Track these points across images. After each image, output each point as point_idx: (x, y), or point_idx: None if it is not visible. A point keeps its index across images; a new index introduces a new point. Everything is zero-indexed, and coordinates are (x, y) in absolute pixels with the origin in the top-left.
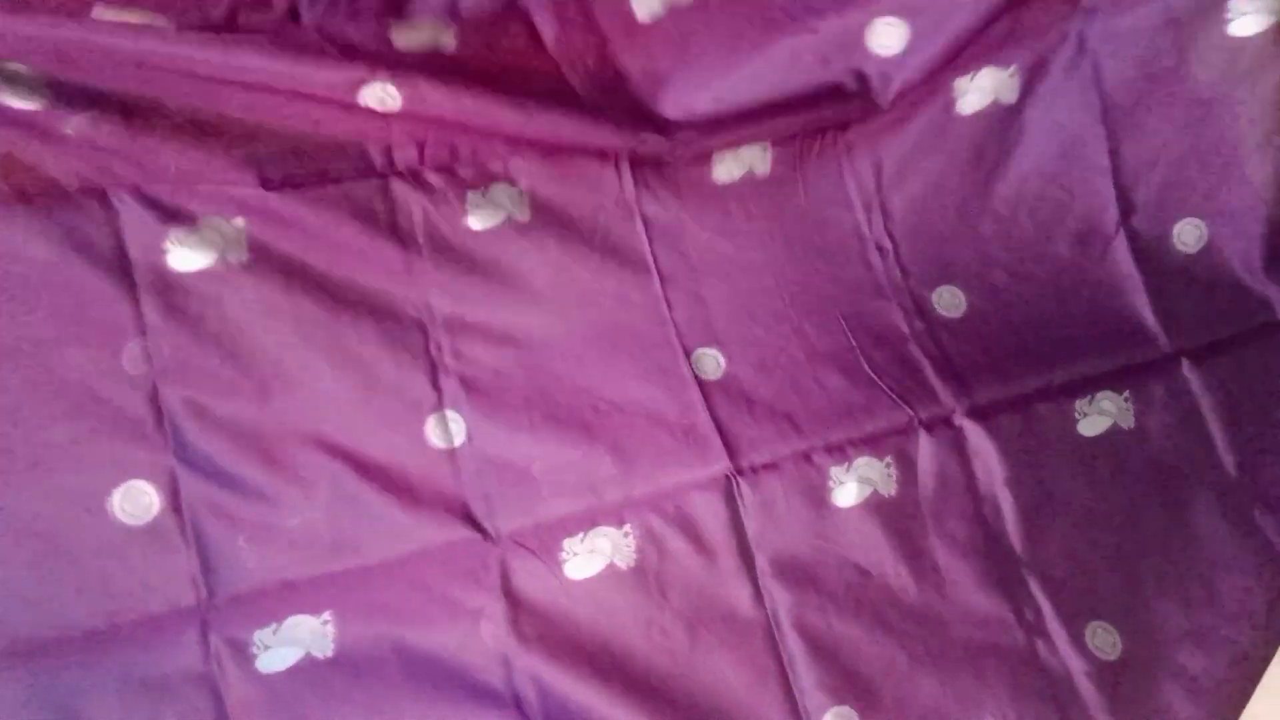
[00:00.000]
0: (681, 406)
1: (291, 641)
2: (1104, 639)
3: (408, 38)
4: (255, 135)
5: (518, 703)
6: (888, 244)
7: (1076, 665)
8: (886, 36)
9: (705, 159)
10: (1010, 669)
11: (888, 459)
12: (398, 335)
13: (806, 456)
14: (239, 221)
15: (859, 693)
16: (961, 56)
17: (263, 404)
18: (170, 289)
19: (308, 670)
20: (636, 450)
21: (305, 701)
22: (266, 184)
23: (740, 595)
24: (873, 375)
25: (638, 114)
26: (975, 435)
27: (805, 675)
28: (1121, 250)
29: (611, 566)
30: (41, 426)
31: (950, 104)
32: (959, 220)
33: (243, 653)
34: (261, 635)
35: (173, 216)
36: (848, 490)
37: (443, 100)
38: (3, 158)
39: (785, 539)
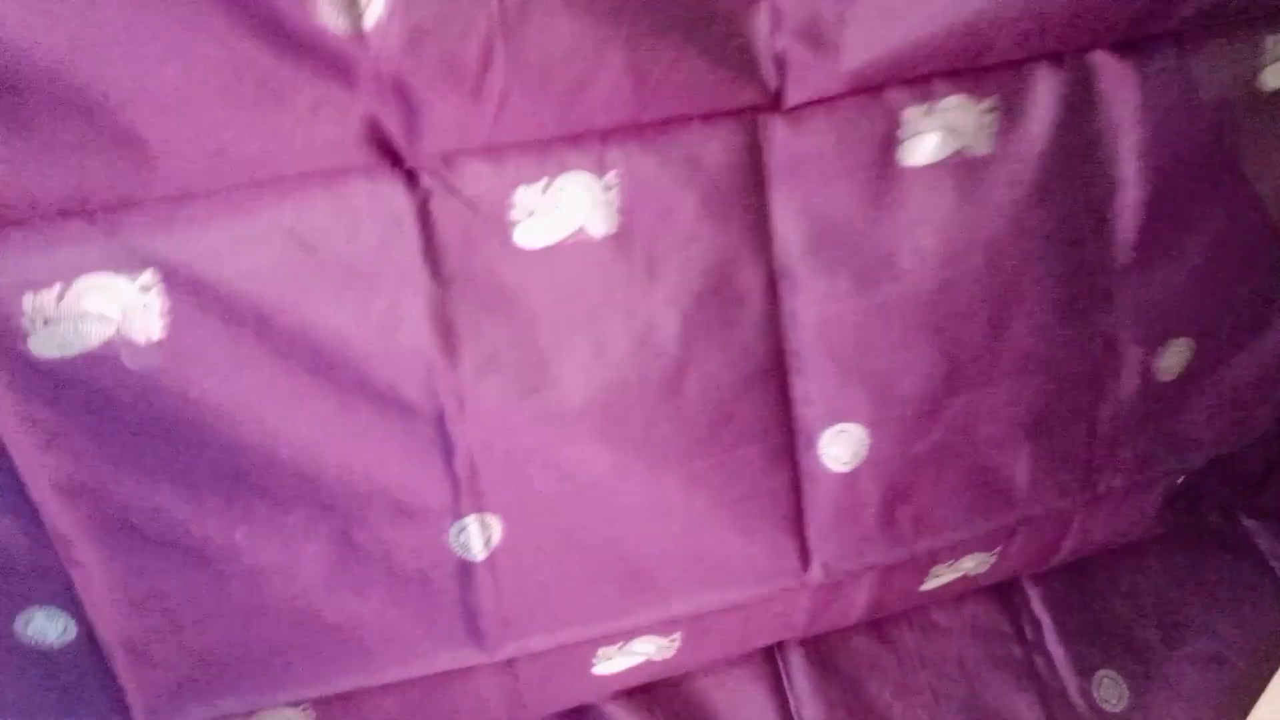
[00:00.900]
0: None
1: None
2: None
3: None
4: None
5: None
6: None
7: None
8: None
9: None
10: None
11: (990, 101)
12: None
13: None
14: None
15: (879, 417)
16: None
17: None
18: None
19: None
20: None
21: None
22: None
23: (750, 273)
24: None
25: None
26: (1113, 72)
27: (813, 383)
28: None
29: (582, 231)
30: None
31: None
32: None
33: None
34: None
35: None
36: (925, 143)
37: None
38: None
39: (823, 203)
